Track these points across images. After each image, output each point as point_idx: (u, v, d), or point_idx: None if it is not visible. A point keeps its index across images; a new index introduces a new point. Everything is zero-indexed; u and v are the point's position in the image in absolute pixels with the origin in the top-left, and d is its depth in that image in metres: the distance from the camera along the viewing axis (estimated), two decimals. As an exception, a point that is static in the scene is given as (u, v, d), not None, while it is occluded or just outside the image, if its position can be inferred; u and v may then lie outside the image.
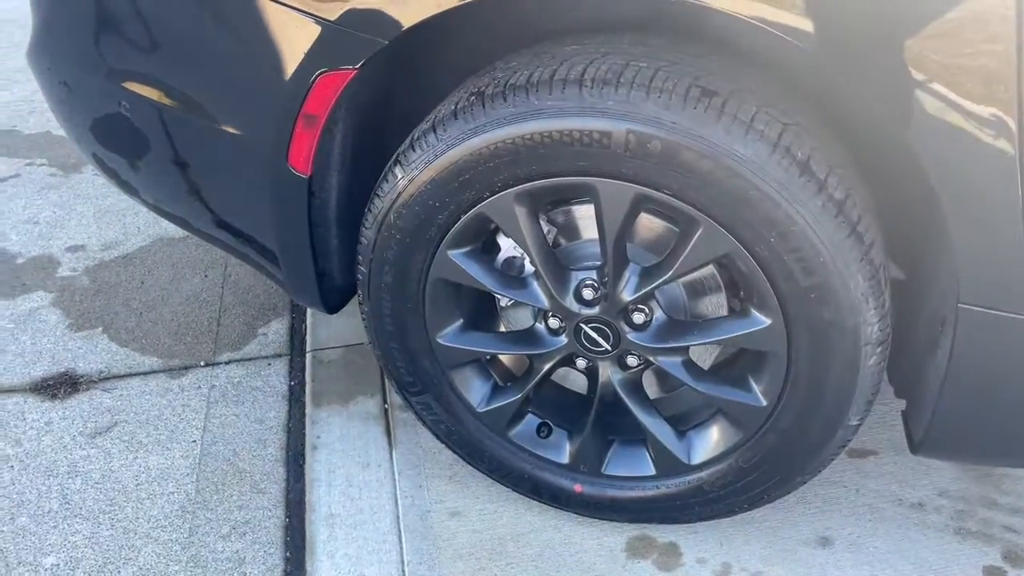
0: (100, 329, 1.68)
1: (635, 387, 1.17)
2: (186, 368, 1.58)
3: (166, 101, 1.14)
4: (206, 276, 1.82)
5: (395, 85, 1.12)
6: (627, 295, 1.07)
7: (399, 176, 1.06)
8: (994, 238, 0.88)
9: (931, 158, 0.87)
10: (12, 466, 1.39)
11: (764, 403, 1.08)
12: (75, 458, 1.40)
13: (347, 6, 0.97)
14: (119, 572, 1.23)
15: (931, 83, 0.83)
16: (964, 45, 0.81)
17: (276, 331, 1.68)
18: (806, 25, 0.86)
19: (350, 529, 1.28)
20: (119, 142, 1.28)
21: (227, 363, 1.60)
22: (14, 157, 2.29)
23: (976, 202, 0.87)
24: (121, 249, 1.91)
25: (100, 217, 2.01)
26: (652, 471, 1.20)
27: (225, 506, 1.32)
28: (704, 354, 1.19)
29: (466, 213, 1.06)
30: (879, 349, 1.00)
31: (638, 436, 1.19)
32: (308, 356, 1.60)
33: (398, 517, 1.29)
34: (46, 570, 1.23)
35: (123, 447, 1.42)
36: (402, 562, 1.22)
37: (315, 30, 0.99)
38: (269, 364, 1.60)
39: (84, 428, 1.45)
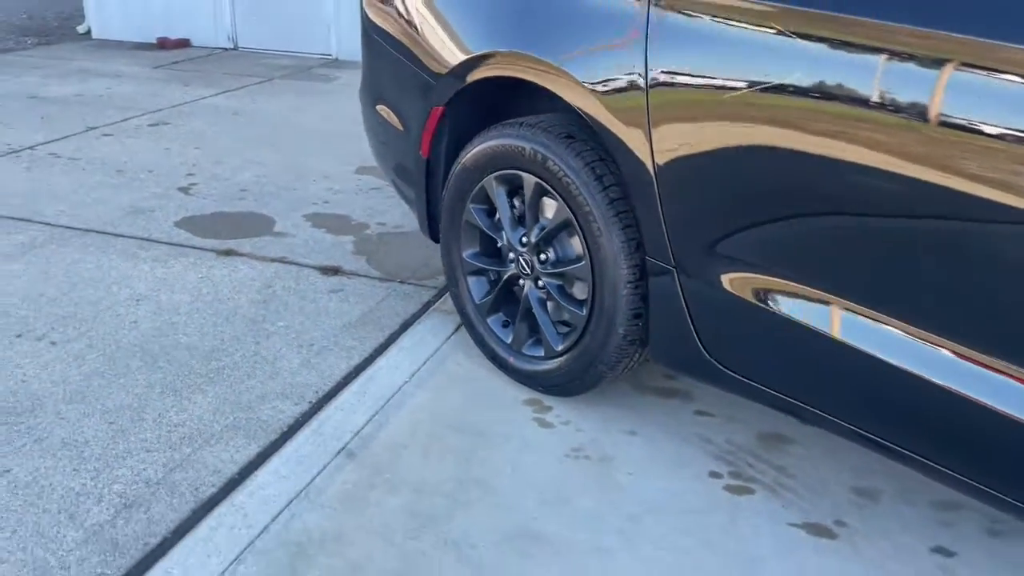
0: (365, 259, 3.02)
1: (538, 298, 2.12)
2: (403, 282, 2.84)
3: (388, 115, 2.42)
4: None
5: (460, 116, 2.25)
6: (534, 241, 2.05)
7: (457, 162, 2.19)
8: (649, 217, 1.74)
9: (626, 171, 1.76)
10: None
11: (583, 313, 1.97)
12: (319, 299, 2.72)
13: (440, 77, 2.15)
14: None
15: (617, 128, 1.74)
16: (628, 106, 1.72)
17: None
18: (594, 110, 1.82)
19: (406, 354, 2.37)
20: (378, 145, 2.60)
21: (416, 285, 2.82)
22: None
23: (638, 196, 1.75)
24: (400, 228, 3.28)
25: (391, 207, 3.41)
26: (542, 353, 2.12)
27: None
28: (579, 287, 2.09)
29: (477, 184, 2.15)
30: (630, 284, 1.86)
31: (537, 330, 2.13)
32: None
33: (433, 354, 2.36)
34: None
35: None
36: (432, 353, 2.29)
37: (433, 79, 2.19)
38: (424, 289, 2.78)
39: (326, 285, 2.77)
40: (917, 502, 1.82)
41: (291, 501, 1.78)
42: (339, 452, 1.95)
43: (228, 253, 3.00)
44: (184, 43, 7.12)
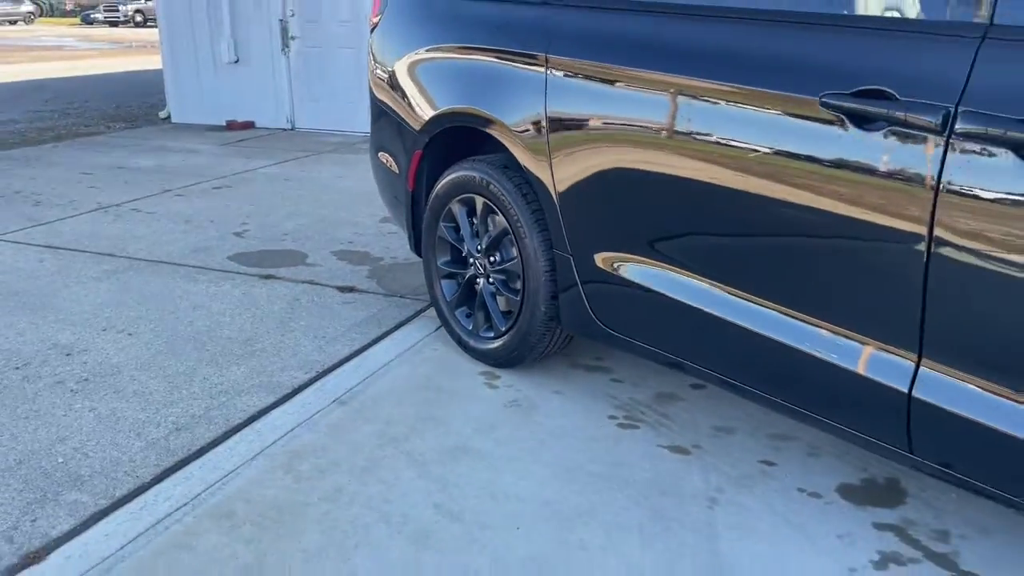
0: (376, 281, 3.73)
1: (490, 292, 2.77)
2: (402, 297, 3.53)
3: (387, 160, 3.15)
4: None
5: (435, 157, 2.95)
6: (484, 248, 2.73)
7: (432, 192, 2.89)
8: (555, 223, 2.40)
9: (539, 192, 2.44)
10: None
11: (518, 299, 2.62)
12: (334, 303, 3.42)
13: (419, 129, 2.87)
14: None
15: (531, 161, 2.43)
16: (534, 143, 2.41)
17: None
18: (517, 148, 2.51)
19: (395, 343, 3.04)
20: (381, 184, 3.34)
21: (413, 299, 3.50)
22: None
23: (548, 209, 2.42)
24: (408, 260, 3.98)
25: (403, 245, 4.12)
26: (492, 335, 2.77)
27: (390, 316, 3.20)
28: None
29: (445, 207, 2.84)
30: (547, 272, 2.51)
31: (488, 317, 2.78)
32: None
33: (416, 343, 3.02)
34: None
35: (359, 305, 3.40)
36: (415, 342, 2.95)
37: (414, 131, 2.91)
38: (405, 303, 3.45)
39: (338, 296, 3.47)
40: (759, 435, 2.39)
41: (293, 428, 2.44)
42: (333, 401, 2.61)
43: (267, 277, 3.74)
44: (249, 125, 8.14)
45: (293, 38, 7.79)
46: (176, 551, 1.91)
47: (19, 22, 36.50)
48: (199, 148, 7.06)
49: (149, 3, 32.41)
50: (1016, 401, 1.55)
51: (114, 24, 35.26)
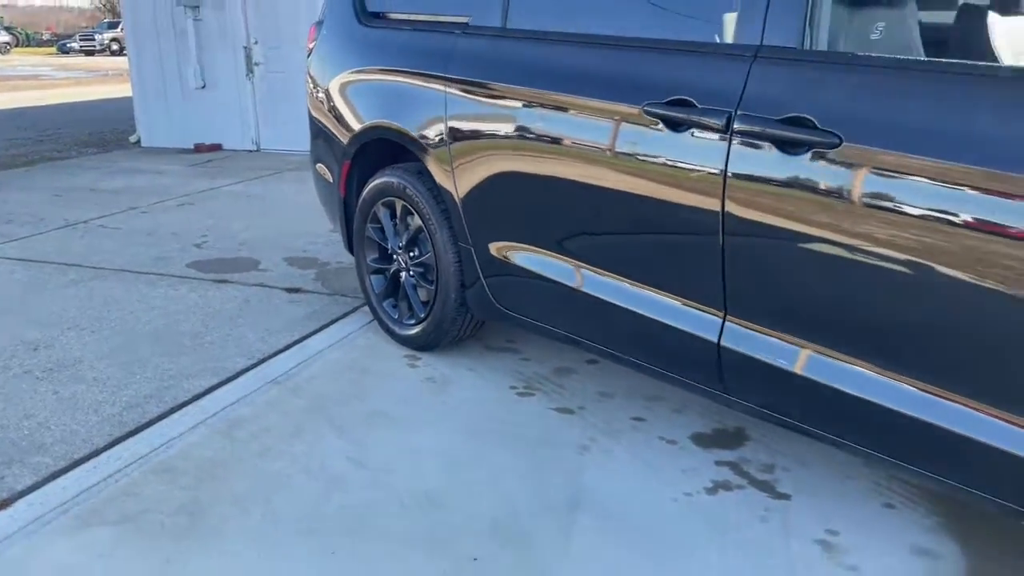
0: (320, 283, 4.08)
1: (411, 284, 3.14)
2: (343, 295, 3.89)
3: (323, 170, 3.52)
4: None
5: (362, 166, 3.32)
6: (404, 244, 3.10)
7: (361, 197, 3.26)
8: (459, 220, 2.78)
9: (445, 194, 2.82)
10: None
11: (434, 287, 2.99)
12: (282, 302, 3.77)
13: (347, 141, 3.25)
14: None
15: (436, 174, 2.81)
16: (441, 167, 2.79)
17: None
18: (426, 158, 2.89)
19: (332, 334, 3.39)
20: (319, 191, 3.71)
21: (352, 298, 3.85)
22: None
23: (452, 208, 2.80)
24: (350, 262, 4.34)
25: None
26: (413, 322, 3.13)
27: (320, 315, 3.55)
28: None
29: (371, 210, 3.21)
30: (455, 263, 2.88)
31: (410, 305, 3.15)
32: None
33: (350, 333, 3.37)
34: (246, 321, 3.59)
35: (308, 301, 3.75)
36: (349, 333, 3.31)
37: (343, 143, 3.29)
38: (343, 300, 3.81)
39: (287, 295, 3.83)
40: (636, 398, 2.76)
41: (233, 403, 2.79)
42: (270, 381, 2.96)
43: (221, 282, 4.09)
44: (217, 147, 8.49)
45: (257, 64, 8.18)
46: (123, 497, 2.25)
47: (-5, 52, 36.75)
48: (167, 169, 7.41)
49: (124, 32, 32.73)
50: (798, 345, 1.93)
51: (90, 53, 35.59)
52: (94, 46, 36.00)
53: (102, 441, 2.57)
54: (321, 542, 2.06)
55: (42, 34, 47.38)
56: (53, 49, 39.41)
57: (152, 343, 3.34)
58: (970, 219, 1.58)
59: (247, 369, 3.08)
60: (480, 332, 3.21)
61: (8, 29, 43.25)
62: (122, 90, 16.09)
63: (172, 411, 2.76)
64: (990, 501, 1.73)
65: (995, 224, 1.55)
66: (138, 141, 9.00)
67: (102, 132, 10.25)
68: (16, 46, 41.00)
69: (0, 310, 3.74)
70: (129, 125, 9.73)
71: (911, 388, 1.77)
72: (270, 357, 3.18)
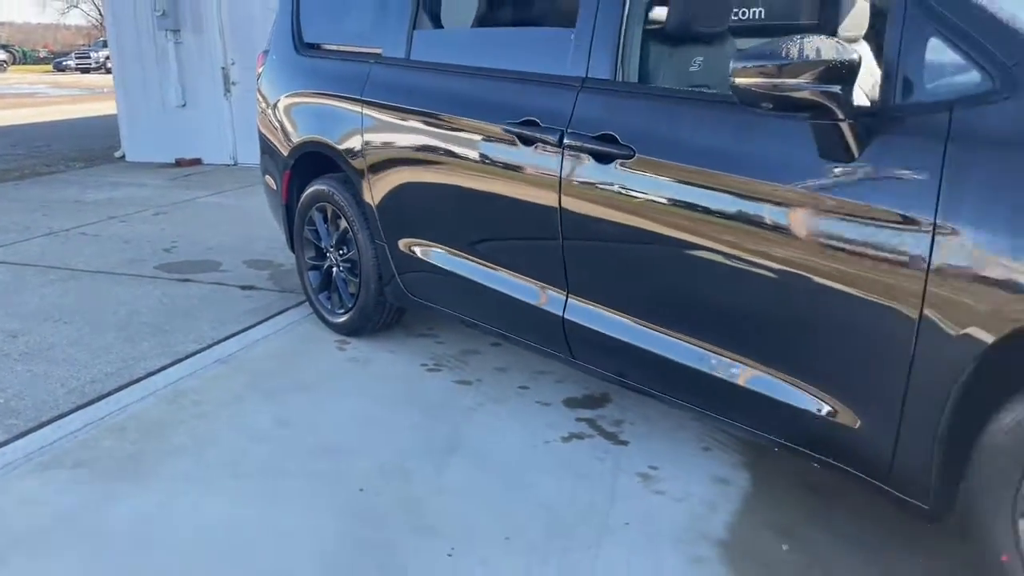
0: (273, 282, 4.55)
1: (342, 278, 3.61)
2: (292, 292, 4.35)
3: (269, 180, 4.00)
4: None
5: (301, 176, 3.79)
6: (335, 243, 3.57)
7: (299, 203, 3.74)
8: (375, 221, 3.26)
9: (364, 201, 3.29)
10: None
11: (358, 280, 3.46)
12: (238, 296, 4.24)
13: (287, 153, 3.73)
14: (218, 318, 3.99)
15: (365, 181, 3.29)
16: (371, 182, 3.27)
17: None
18: (348, 169, 3.37)
19: (276, 323, 3.86)
20: (268, 199, 4.18)
21: (299, 294, 4.32)
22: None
23: (369, 212, 3.28)
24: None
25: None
26: (343, 311, 3.60)
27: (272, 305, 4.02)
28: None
29: (308, 214, 3.69)
30: (374, 259, 3.35)
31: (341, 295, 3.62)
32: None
33: (291, 323, 3.84)
34: (203, 314, 4.06)
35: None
36: (290, 323, 3.78)
37: (284, 156, 3.76)
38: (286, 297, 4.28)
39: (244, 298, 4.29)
40: (526, 371, 3.23)
41: (181, 378, 3.25)
42: (216, 361, 3.42)
43: (185, 281, 4.56)
44: (197, 161, 8.98)
45: (234, 83, 8.68)
46: (80, 449, 2.71)
47: (-9, 70, 37.32)
48: (147, 182, 7.89)
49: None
50: (623, 317, 2.40)
51: (86, 71, 36.17)
52: (90, 64, 36.59)
53: (67, 408, 3.03)
54: (241, 482, 2.52)
55: (39, 52, 48.03)
56: (49, 67, 40.01)
57: (117, 332, 3.80)
58: (721, 209, 2.06)
59: (198, 352, 3.54)
60: (404, 320, 3.68)
61: (5, 47, 43.94)
62: (113, 107, 16.61)
63: (128, 384, 3.22)
64: (774, 441, 2.17)
65: (728, 212, 2.03)
66: (123, 156, 9.49)
67: (90, 148, 10.73)
68: (13, 63, 41.63)
69: (-15, 305, 4.21)
70: (116, 141, 10.21)
71: (710, 351, 2.21)
72: (220, 342, 3.65)
